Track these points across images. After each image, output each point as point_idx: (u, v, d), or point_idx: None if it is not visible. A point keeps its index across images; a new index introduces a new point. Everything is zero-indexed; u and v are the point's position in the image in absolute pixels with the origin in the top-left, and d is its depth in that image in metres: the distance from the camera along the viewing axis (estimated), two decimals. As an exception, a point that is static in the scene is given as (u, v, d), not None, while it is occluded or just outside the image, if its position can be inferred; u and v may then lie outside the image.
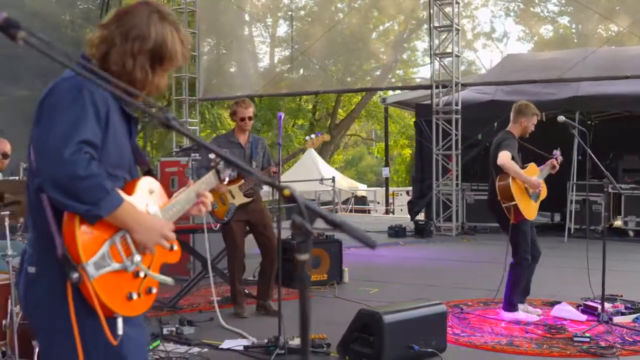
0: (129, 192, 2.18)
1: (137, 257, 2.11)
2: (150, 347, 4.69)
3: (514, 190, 5.64)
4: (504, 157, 5.66)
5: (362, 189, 25.84)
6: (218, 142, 6.31)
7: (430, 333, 4.84)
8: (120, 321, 2.07)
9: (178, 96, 14.02)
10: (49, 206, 2.04)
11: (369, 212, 22.32)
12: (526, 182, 5.75)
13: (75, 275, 1.96)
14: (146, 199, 2.24)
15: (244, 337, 5.43)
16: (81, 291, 2.00)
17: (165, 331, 5.38)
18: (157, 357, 4.75)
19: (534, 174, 5.94)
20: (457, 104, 12.70)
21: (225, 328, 5.64)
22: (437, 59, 12.99)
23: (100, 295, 2.00)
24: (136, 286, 2.14)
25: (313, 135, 6.10)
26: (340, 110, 28.83)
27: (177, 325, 5.57)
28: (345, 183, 24.07)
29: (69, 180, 1.94)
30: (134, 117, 2.32)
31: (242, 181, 6.07)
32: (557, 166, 6.14)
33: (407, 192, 21.50)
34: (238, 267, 6.25)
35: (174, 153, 10.68)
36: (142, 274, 2.14)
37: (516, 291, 5.83)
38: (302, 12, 21.35)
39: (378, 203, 23.75)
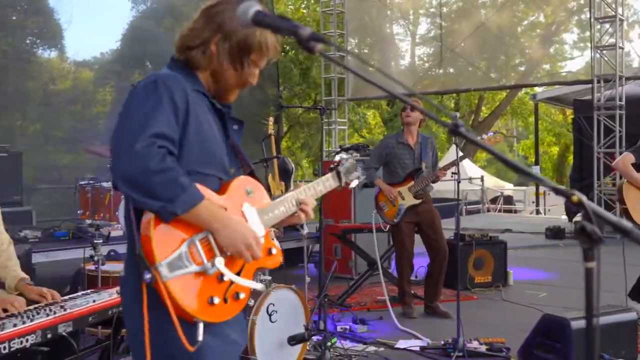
0: (222, 191, 2.07)
1: (220, 260, 1.95)
2: (328, 344, 4.78)
3: (626, 193, 5.42)
4: (621, 159, 5.51)
5: (508, 188, 25.00)
6: (387, 142, 6.35)
7: (619, 341, 4.58)
8: (200, 327, 1.91)
9: (327, 96, 14.23)
10: (132, 205, 1.96)
11: (514, 212, 21.58)
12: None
13: (147, 276, 1.85)
14: (242, 199, 2.12)
15: (418, 338, 5.42)
16: (157, 293, 1.87)
17: (338, 328, 5.47)
18: (336, 354, 4.83)
19: None
20: (621, 99, 11.97)
21: (400, 329, 5.65)
22: (599, 51, 12.30)
23: (176, 297, 1.86)
24: (221, 290, 1.98)
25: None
26: (483, 108, 28.12)
27: (350, 324, 5.65)
28: (491, 182, 23.41)
29: (141, 174, 1.83)
30: (225, 113, 2.21)
31: (412, 182, 6.06)
32: None
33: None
34: (407, 267, 6.26)
35: (335, 154, 10.84)
36: (226, 278, 1.98)
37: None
38: (445, 9, 21.02)
39: (524, 202, 22.90)
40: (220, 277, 1.97)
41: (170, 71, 2.10)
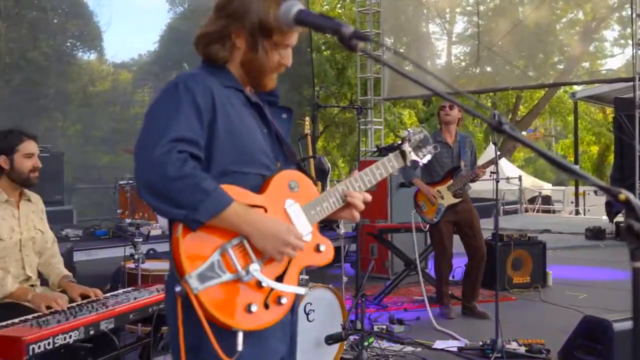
0: (264, 189, 1.98)
1: (255, 267, 1.85)
2: (365, 344, 4.77)
3: None
4: None
5: (547, 188, 24.64)
6: None
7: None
8: (239, 336, 1.82)
9: (363, 96, 14.21)
10: None
11: (553, 212, 21.26)
12: None
13: (178, 289, 1.79)
14: (284, 195, 2.01)
15: (455, 338, 5.38)
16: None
17: (375, 328, 5.46)
18: (373, 354, 4.82)
19: None
20: (663, 97, 11.69)
21: (438, 329, 5.61)
22: (641, 48, 12.03)
23: (209, 309, 1.79)
24: (261, 297, 1.89)
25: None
26: (521, 107, 27.77)
27: (387, 323, 5.63)
28: (529, 182, 23.10)
29: (161, 182, 1.76)
30: (263, 105, 2.08)
31: (451, 181, 6.02)
32: None
33: (595, 192, 20.19)
34: (446, 267, 6.21)
35: (372, 153, 10.83)
36: (264, 284, 1.88)
37: None
38: (482, 7, 20.79)
39: (562, 203, 22.54)
40: (259, 283, 1.88)
41: (198, 70, 2.03)
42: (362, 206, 2.12)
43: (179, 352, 1.85)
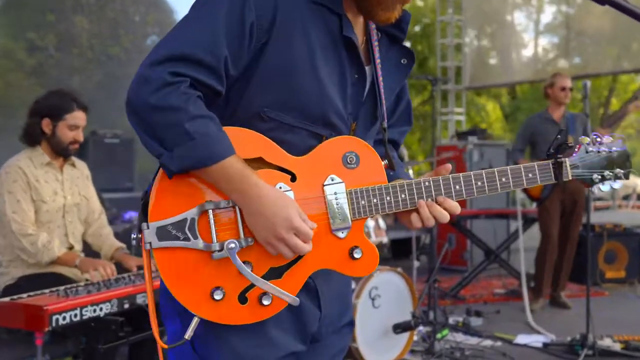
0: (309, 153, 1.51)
1: (232, 244, 1.40)
2: (439, 337, 4.36)
3: None
4: None
5: (642, 184, 23.18)
6: (531, 121, 6.08)
7: None
8: (194, 321, 1.41)
9: (444, 85, 13.70)
10: None
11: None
12: None
13: (133, 235, 1.45)
14: (332, 168, 1.51)
15: (540, 333, 4.89)
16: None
17: (451, 321, 5.02)
18: (447, 347, 4.39)
19: None
20: None
21: (524, 323, 5.14)
22: None
23: (163, 275, 1.42)
24: (236, 285, 1.43)
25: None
26: (613, 100, 26.34)
27: (464, 316, 5.18)
28: (623, 178, 21.78)
29: (141, 105, 1.37)
30: (355, 42, 1.53)
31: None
32: None
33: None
34: (550, 256, 5.75)
35: (451, 138, 10.38)
36: (241, 271, 1.42)
37: None
38: (571, -5, 19.80)
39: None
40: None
41: None
42: (430, 223, 1.53)
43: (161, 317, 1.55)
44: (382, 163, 1.56)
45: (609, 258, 6.73)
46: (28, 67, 10.68)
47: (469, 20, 15.38)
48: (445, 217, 1.52)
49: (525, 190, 5.70)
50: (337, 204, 1.49)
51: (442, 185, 1.54)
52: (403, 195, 1.53)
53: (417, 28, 18.65)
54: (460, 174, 1.54)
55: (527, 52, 19.22)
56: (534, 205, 5.91)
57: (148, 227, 1.40)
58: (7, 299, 2.54)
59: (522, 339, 4.74)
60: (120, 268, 3.29)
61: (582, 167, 1.62)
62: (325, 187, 1.49)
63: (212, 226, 1.41)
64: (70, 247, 3.33)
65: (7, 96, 10.07)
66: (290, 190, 1.47)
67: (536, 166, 1.58)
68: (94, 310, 2.53)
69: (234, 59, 1.42)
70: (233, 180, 1.39)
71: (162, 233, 1.40)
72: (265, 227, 1.40)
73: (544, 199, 5.61)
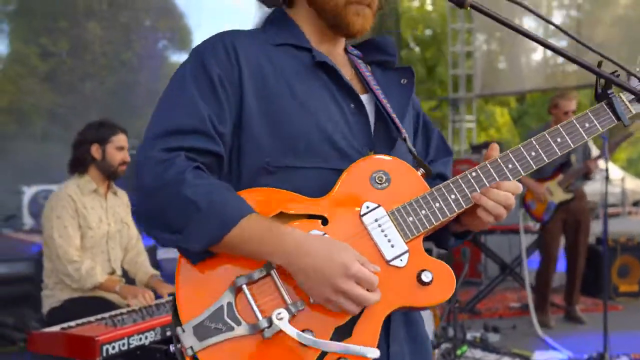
0: (332, 189, 1.35)
1: (281, 313, 1.22)
2: (458, 353, 4.45)
3: None
4: None
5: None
6: (532, 135, 6.00)
7: None
8: None
9: (454, 93, 13.76)
10: None
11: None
12: None
13: (172, 348, 1.29)
14: (363, 195, 1.35)
15: (556, 349, 4.98)
16: None
17: (468, 336, 5.11)
18: (467, 364, 4.49)
19: None
20: None
21: (538, 338, 5.22)
22: None
23: None
24: (302, 358, 1.24)
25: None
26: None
27: (481, 331, 5.27)
28: (633, 184, 21.82)
29: (143, 194, 1.28)
30: (337, 69, 1.45)
31: (561, 176, 5.61)
32: None
33: None
34: (550, 273, 5.83)
35: (464, 152, 10.44)
36: (303, 342, 1.23)
37: None
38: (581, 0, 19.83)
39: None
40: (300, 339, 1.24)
41: (234, 30, 1.46)
42: (501, 211, 1.37)
43: None
44: (419, 172, 1.42)
45: (622, 272, 6.79)
46: (41, 72, 10.77)
47: (479, 26, 15.43)
48: (511, 200, 1.37)
49: (528, 210, 5.75)
50: (383, 231, 1.32)
51: (492, 170, 1.39)
52: (453, 195, 1.37)
53: (428, 32, 18.68)
54: (508, 150, 1.42)
55: (537, 57, 19.26)
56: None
57: (184, 330, 1.24)
58: (57, 328, 2.64)
59: (539, 355, 4.82)
60: (155, 293, 3.41)
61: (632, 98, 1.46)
62: (363, 218, 1.33)
63: (252, 303, 1.25)
64: (112, 272, 3.47)
65: (20, 101, 10.16)
66: (325, 234, 1.30)
67: (589, 113, 1.44)
68: (140, 339, 2.63)
69: (217, 115, 1.34)
70: (264, 239, 1.24)
71: (201, 331, 1.23)
72: (319, 282, 1.22)
73: (547, 222, 5.65)
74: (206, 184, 1.26)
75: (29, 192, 6.21)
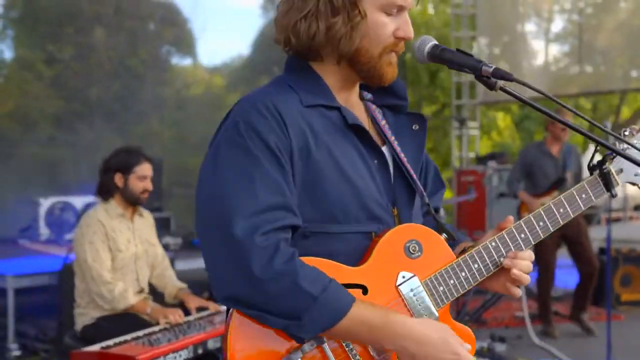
0: (366, 256, 1.43)
1: None
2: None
3: None
4: None
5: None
6: (529, 151, 6.15)
7: None
8: None
9: (458, 100, 13.88)
10: None
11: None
12: None
13: None
14: (398, 264, 1.44)
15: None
16: None
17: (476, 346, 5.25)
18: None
19: None
20: None
21: (541, 347, 5.34)
22: None
23: None
24: None
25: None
26: (624, 108, 26.44)
27: (488, 341, 5.41)
28: (633, 188, 21.87)
29: (244, 281, 1.28)
30: (363, 128, 1.49)
31: (556, 193, 5.75)
32: None
33: None
34: (548, 283, 5.95)
35: (469, 163, 10.57)
36: None
37: None
38: (582, 4, 19.95)
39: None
40: None
41: (268, 87, 1.49)
42: (526, 279, 1.49)
43: None
44: (442, 237, 1.53)
45: (625, 281, 6.92)
46: (46, 78, 10.86)
47: (481, 33, 15.54)
48: (530, 267, 1.51)
49: None
50: (418, 301, 1.44)
51: (508, 239, 1.52)
52: (476, 265, 1.49)
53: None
54: (521, 220, 1.56)
55: (538, 61, 19.38)
56: None
57: None
58: (97, 347, 2.79)
59: (545, 366, 4.97)
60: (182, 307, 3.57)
61: (626, 171, 1.63)
62: (399, 288, 1.42)
63: None
64: (141, 290, 3.62)
65: (26, 106, 10.25)
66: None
67: (585, 185, 1.60)
68: (175, 358, 2.78)
69: (289, 186, 1.36)
70: (374, 326, 1.30)
71: None
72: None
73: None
74: (315, 273, 1.31)
75: (45, 203, 6.35)
